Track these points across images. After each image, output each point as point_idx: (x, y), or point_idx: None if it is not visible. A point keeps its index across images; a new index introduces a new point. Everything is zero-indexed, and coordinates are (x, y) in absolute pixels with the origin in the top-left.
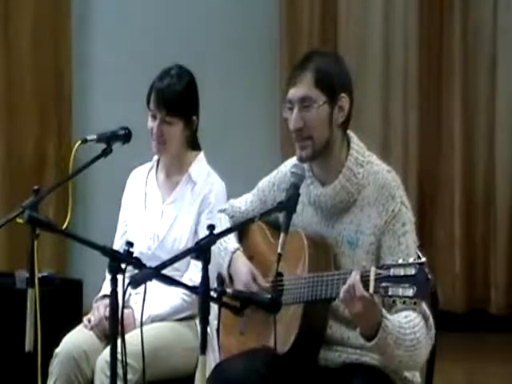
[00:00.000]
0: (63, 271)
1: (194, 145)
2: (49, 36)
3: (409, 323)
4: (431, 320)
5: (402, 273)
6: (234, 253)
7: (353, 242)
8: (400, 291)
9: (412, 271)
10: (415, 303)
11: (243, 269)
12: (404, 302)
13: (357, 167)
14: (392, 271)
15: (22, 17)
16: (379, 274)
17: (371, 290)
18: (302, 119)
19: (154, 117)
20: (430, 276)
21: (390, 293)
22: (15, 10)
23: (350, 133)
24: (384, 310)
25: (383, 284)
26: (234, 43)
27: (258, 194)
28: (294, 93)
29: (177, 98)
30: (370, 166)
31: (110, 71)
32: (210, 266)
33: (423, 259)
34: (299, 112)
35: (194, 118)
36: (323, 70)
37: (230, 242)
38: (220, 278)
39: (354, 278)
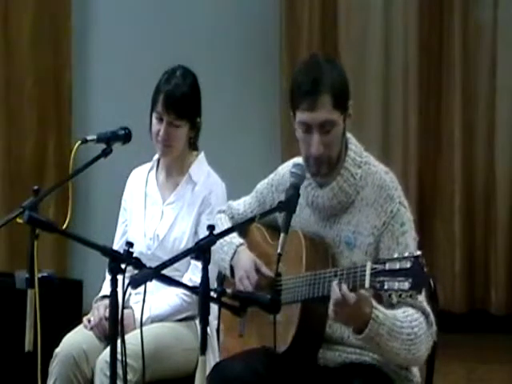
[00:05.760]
0: (63, 271)
1: (194, 145)
2: (49, 36)
3: (406, 318)
4: (432, 317)
5: (397, 266)
6: (238, 246)
7: (351, 243)
8: (396, 285)
9: (407, 264)
10: (411, 296)
11: (247, 259)
12: (400, 296)
13: (354, 168)
14: (387, 265)
15: (22, 17)
16: (375, 268)
17: (367, 284)
18: (323, 143)
19: (161, 119)
20: (425, 268)
21: (385, 287)
22: (15, 9)
23: (348, 133)
24: (375, 302)
25: (379, 278)
26: (233, 44)
27: (257, 196)
28: (314, 117)
29: (185, 101)
30: (367, 167)
31: (110, 71)
32: (209, 266)
33: (418, 252)
34: (320, 137)
35: (199, 119)
36: (339, 89)
37: (235, 237)
38: (220, 278)
39: (337, 292)
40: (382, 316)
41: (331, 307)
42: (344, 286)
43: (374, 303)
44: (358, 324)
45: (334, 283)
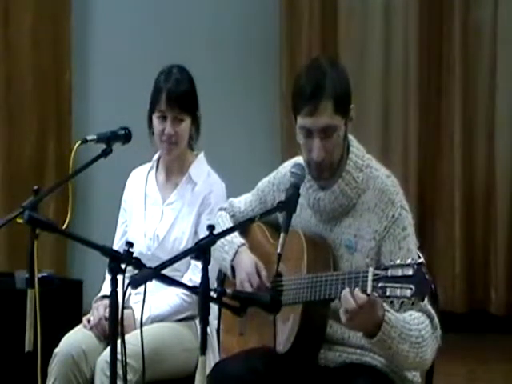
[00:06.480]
0: (63, 271)
1: (193, 145)
2: (49, 36)
3: (413, 320)
4: (436, 320)
5: (399, 273)
6: (240, 246)
7: (351, 246)
8: (398, 292)
9: (410, 272)
10: (413, 303)
11: (248, 261)
12: (402, 303)
13: (356, 171)
14: (390, 272)
15: (22, 17)
16: (377, 274)
17: (369, 290)
18: (324, 148)
19: (164, 117)
20: (428, 276)
21: (387, 293)
22: (15, 9)
23: (349, 135)
24: (386, 305)
25: (381, 284)
26: (233, 44)
27: (258, 194)
28: (315, 123)
29: (186, 95)
30: (369, 171)
31: (110, 71)
32: (210, 266)
33: (421, 259)
34: (321, 142)
35: (198, 113)
36: (341, 94)
37: (236, 237)
38: (220, 278)
39: (351, 299)
40: (393, 318)
41: (345, 315)
42: (357, 292)
43: (386, 306)
44: (371, 328)
45: (346, 291)
